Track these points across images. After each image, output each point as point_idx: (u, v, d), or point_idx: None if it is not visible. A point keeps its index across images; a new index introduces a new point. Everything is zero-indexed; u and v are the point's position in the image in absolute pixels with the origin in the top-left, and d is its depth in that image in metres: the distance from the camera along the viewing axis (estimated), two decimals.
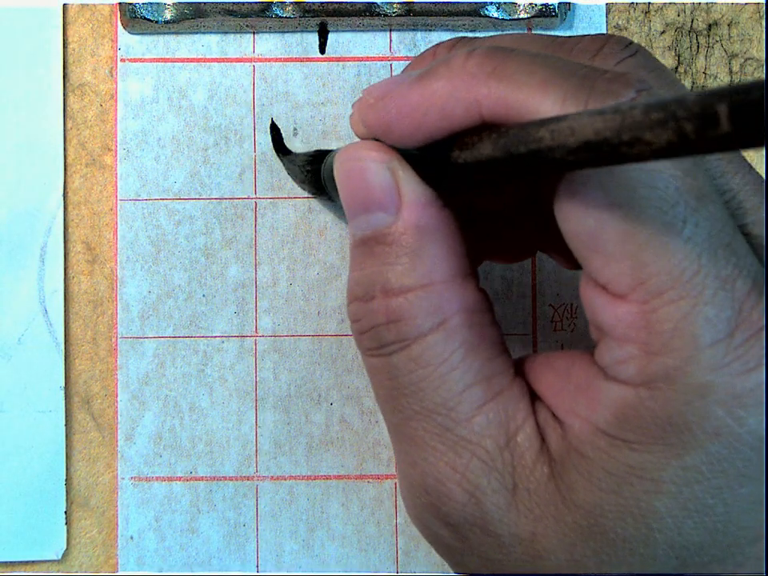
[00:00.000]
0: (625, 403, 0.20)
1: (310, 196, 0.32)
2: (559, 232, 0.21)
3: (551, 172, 0.20)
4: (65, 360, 0.31)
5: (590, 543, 0.21)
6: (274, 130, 0.32)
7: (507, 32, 0.32)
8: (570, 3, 0.32)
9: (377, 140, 0.24)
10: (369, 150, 0.23)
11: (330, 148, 0.30)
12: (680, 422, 0.20)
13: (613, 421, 0.20)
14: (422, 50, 0.32)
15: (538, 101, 0.20)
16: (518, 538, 0.22)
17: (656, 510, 0.20)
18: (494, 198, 0.27)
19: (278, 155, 0.32)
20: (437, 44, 0.26)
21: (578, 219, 0.20)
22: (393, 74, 0.32)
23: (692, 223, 0.19)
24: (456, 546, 0.23)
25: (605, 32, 0.32)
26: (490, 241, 0.28)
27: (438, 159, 0.23)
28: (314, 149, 0.31)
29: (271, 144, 0.32)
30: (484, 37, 0.26)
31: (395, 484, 0.32)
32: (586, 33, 0.31)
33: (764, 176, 0.31)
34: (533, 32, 0.32)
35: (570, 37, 0.24)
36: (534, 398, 0.23)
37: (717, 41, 0.32)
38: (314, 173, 0.30)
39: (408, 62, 0.32)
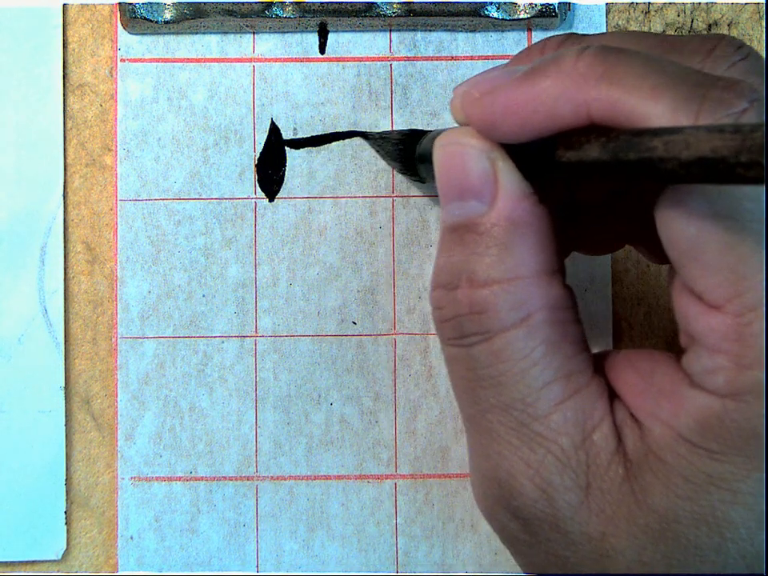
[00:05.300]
0: (710, 412, 0.20)
1: (311, 196, 0.32)
2: (651, 226, 0.21)
3: (657, 182, 0.20)
4: (65, 360, 0.31)
5: (661, 547, 0.21)
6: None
7: (507, 31, 0.32)
8: (569, 3, 0.32)
9: None
10: (470, 137, 0.23)
11: (426, 129, 0.31)
12: (764, 436, 0.20)
13: (696, 428, 0.20)
14: (422, 50, 0.32)
15: (649, 107, 0.20)
16: (587, 536, 0.22)
17: (731, 520, 0.20)
18: (591, 191, 0.27)
19: (365, 134, 0.32)
20: (545, 39, 0.26)
21: (680, 227, 0.20)
22: (392, 74, 0.32)
23: None
24: (523, 539, 0.23)
25: (605, 31, 0.32)
26: (581, 233, 0.28)
27: (540, 156, 0.22)
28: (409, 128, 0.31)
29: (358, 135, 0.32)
30: (594, 34, 0.25)
31: (395, 484, 0.32)
32: (585, 33, 0.31)
33: None
34: (542, 33, 0.32)
35: (680, 36, 0.24)
36: (611, 396, 0.23)
37: None
38: (406, 152, 0.30)
39: (407, 62, 0.32)
